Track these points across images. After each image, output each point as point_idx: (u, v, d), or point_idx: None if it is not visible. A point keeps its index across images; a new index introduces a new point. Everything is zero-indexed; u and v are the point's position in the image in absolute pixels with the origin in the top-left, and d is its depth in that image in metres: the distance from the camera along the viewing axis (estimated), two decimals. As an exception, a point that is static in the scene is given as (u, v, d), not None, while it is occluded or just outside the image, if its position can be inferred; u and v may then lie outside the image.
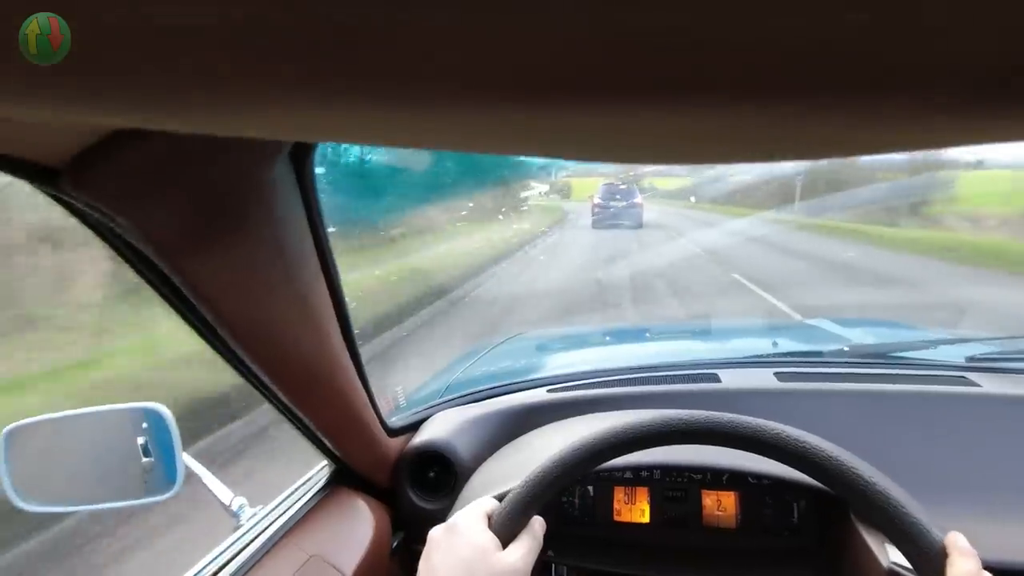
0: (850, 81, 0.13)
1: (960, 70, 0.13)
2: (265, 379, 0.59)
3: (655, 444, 0.63)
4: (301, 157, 0.48)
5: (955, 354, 1.19)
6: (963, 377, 1.06)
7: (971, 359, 1.15)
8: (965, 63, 0.13)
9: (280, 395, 0.63)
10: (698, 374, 1.13)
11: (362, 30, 0.13)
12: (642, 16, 0.12)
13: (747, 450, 0.63)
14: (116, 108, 0.17)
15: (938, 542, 0.57)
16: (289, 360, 0.59)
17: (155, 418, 0.81)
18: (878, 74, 0.13)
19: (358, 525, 0.87)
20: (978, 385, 1.02)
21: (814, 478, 0.63)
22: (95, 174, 0.34)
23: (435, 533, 0.60)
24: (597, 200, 13.79)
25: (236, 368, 0.57)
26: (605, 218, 13.30)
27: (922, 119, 0.15)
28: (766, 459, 0.64)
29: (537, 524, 0.64)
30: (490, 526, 0.61)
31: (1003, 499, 0.86)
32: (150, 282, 0.43)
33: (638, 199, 13.72)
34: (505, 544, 0.60)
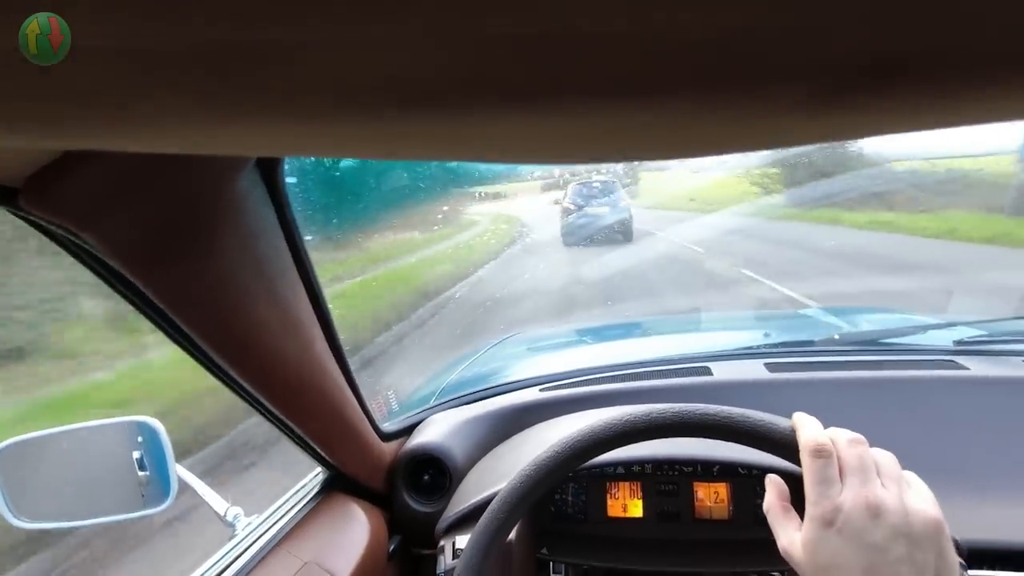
0: (713, 80, 0.14)
1: (819, 67, 0.14)
2: (250, 389, 0.60)
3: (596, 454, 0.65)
4: (269, 168, 0.49)
5: (944, 338, 1.20)
6: (952, 361, 1.06)
7: (959, 343, 1.16)
8: (822, 60, 0.13)
9: (267, 405, 0.64)
10: (690, 368, 1.14)
11: (272, 52, 0.13)
12: (520, 18, 0.12)
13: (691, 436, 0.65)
14: (63, 133, 0.18)
15: (785, 426, 0.60)
16: (274, 369, 0.60)
17: (148, 431, 0.82)
18: (753, 72, 0.14)
19: (353, 530, 0.88)
20: (966, 368, 1.03)
21: (703, 434, 0.64)
22: (53, 192, 0.34)
23: None
24: (567, 204, 9.87)
25: (220, 378, 0.57)
26: (580, 230, 9.52)
27: (779, 117, 0.16)
28: (756, 450, 0.65)
29: None
30: None
31: (991, 480, 0.87)
32: (125, 296, 0.44)
33: (623, 200, 9.97)
34: None
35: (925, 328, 1.31)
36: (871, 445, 0.88)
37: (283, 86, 0.14)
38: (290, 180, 0.51)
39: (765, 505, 0.61)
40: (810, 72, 0.14)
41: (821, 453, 0.54)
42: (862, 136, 0.19)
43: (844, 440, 0.55)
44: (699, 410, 0.62)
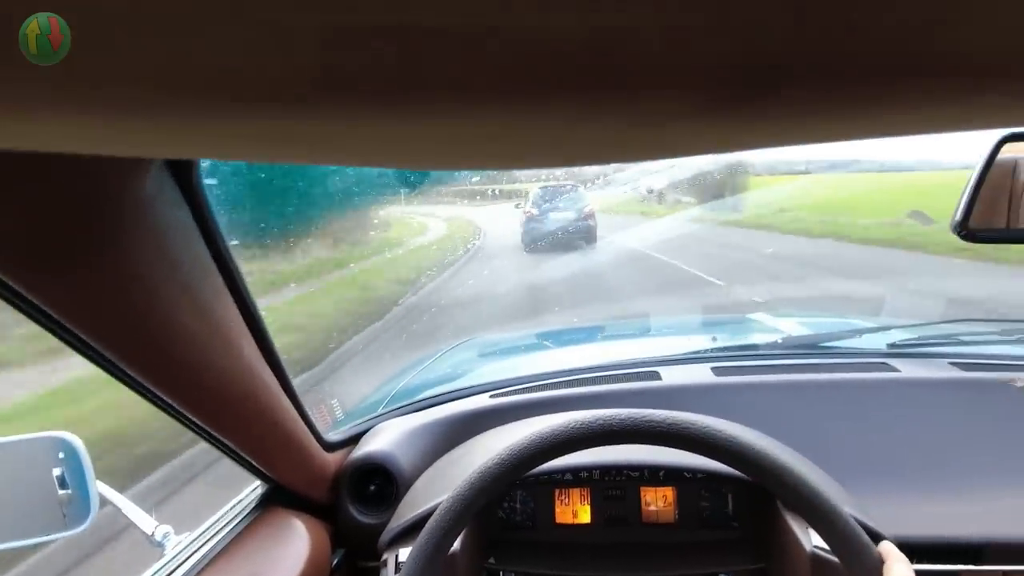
0: (591, 84, 0.13)
1: (702, 73, 0.13)
2: (171, 401, 0.56)
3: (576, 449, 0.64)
4: (182, 168, 0.46)
5: (878, 342, 1.26)
6: (884, 363, 1.11)
7: (892, 345, 1.21)
8: (705, 66, 0.13)
9: (192, 417, 0.60)
10: (639, 372, 1.15)
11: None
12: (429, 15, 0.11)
13: (689, 450, 0.65)
14: None
15: (875, 551, 0.61)
16: (199, 380, 0.56)
17: (67, 448, 0.77)
18: (633, 76, 0.13)
19: (293, 544, 0.84)
20: (897, 370, 1.08)
21: (744, 472, 0.65)
22: None
23: None
24: (529, 209, 9.60)
25: (133, 388, 0.54)
26: (542, 235, 9.28)
27: (662, 125, 0.15)
28: (699, 456, 0.66)
29: None
30: None
31: (921, 477, 0.91)
32: (10, 302, 0.40)
33: (588, 206, 9.78)
34: None
35: (862, 332, 1.36)
36: (809, 444, 0.91)
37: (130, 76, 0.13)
38: (210, 181, 0.48)
39: None
40: (693, 79, 0.13)
41: None
42: (750, 147, 0.18)
43: None
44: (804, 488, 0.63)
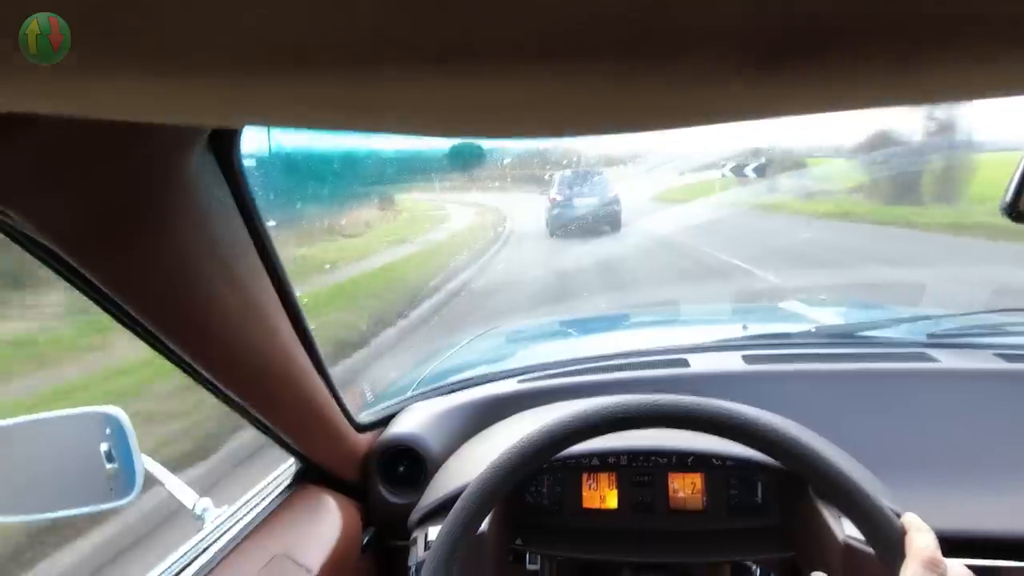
0: (635, 45, 0.13)
1: (748, 33, 0.13)
2: (210, 377, 0.58)
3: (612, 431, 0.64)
4: (224, 145, 0.47)
5: (917, 331, 1.22)
6: (923, 353, 1.08)
7: (931, 335, 1.17)
8: (750, 26, 0.13)
9: (230, 393, 0.62)
10: (667, 360, 1.14)
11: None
12: None
13: (716, 435, 0.64)
14: None
15: (896, 523, 0.59)
16: (236, 356, 0.58)
17: (113, 422, 0.80)
18: (678, 36, 0.13)
19: (325, 522, 0.87)
20: (937, 360, 1.04)
21: (775, 458, 0.64)
22: None
23: None
24: (554, 196, 9.70)
25: (176, 363, 0.55)
26: (567, 220, 9.40)
27: (706, 88, 0.15)
28: (730, 441, 0.65)
29: None
30: None
31: (960, 470, 0.88)
32: (65, 277, 0.42)
33: (612, 191, 9.71)
34: None
35: (899, 321, 1.33)
36: (843, 435, 0.89)
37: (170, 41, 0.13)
38: (248, 163, 0.49)
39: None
40: (732, 39, 0.13)
41: (937, 567, 0.55)
42: (792, 112, 0.18)
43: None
44: (823, 465, 0.61)
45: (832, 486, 0.61)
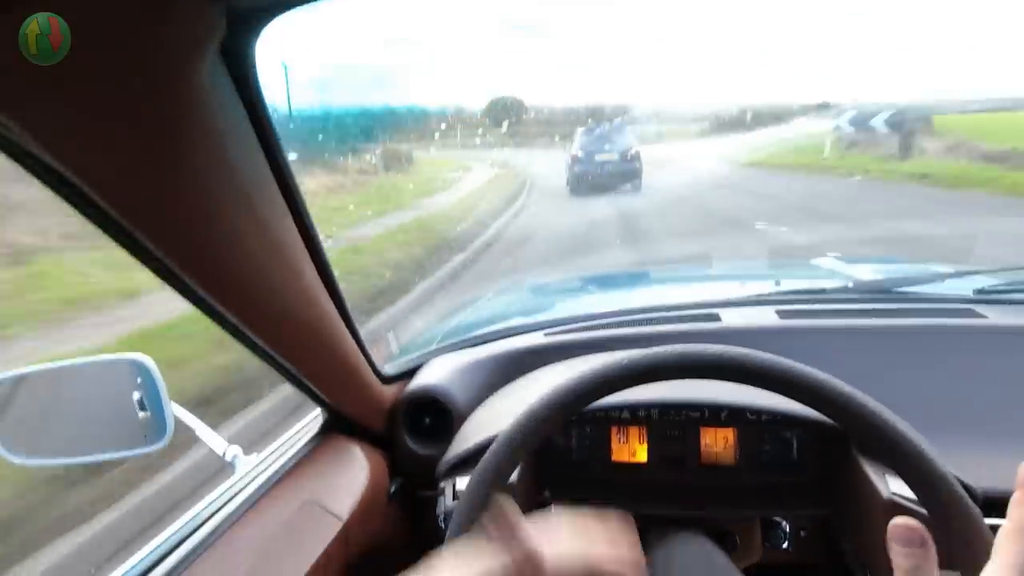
0: None
1: None
2: (233, 319, 0.56)
3: (659, 379, 0.62)
4: (235, 53, 0.43)
5: (963, 287, 1.17)
6: (970, 309, 1.03)
7: (979, 291, 1.12)
8: None
9: (254, 337, 0.61)
10: (698, 314, 1.11)
11: None
12: None
13: (773, 390, 0.61)
14: None
15: (971, 506, 0.56)
16: (259, 296, 0.56)
17: (143, 370, 0.80)
18: None
19: (353, 471, 0.87)
20: (984, 317, 1.00)
21: (830, 416, 0.61)
22: None
23: None
24: (575, 152, 9.41)
25: (201, 307, 0.54)
26: (587, 178, 9.07)
27: None
28: (765, 394, 0.63)
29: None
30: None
31: (1007, 428, 0.85)
32: (73, 203, 0.39)
33: (635, 146, 9.32)
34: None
35: (943, 277, 1.27)
36: (884, 392, 0.86)
37: None
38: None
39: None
40: None
41: None
42: None
43: None
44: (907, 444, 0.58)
45: (895, 451, 0.58)
